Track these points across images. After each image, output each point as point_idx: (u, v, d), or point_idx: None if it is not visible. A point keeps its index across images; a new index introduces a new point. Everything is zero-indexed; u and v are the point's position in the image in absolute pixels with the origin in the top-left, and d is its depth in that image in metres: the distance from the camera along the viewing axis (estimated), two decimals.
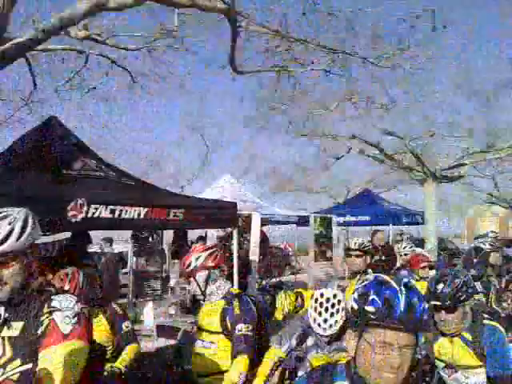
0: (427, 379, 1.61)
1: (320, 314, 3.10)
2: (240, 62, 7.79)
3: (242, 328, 3.24)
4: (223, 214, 6.06)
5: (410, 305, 1.45)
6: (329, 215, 13.63)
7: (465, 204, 28.70)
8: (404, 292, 1.46)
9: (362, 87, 9.48)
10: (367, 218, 14.20)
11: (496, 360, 2.81)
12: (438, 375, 3.12)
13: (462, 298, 2.83)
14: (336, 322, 3.07)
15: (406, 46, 7.99)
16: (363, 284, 1.57)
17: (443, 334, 2.94)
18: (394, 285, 1.49)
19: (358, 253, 4.76)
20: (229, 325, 3.28)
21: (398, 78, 9.25)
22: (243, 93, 14.39)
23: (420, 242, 11.43)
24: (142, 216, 4.86)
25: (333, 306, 3.10)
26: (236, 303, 3.33)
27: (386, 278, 1.54)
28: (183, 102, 62.89)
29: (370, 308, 1.46)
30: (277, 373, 3.78)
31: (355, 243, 4.93)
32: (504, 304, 5.78)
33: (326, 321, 3.08)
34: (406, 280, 1.54)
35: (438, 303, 2.80)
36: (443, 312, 2.81)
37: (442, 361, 2.99)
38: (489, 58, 26.35)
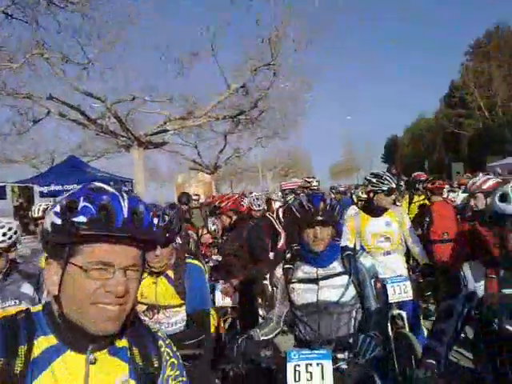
0: (135, 325, 1.27)
1: None
2: None
3: None
4: None
5: (136, 212, 1.12)
6: (30, 185, 12.54)
7: (174, 171, 30.67)
8: (126, 197, 1.13)
9: (56, 41, 8.63)
10: (74, 186, 13.69)
11: (195, 297, 2.94)
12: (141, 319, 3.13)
13: (176, 232, 2.90)
14: (4, 234, 3.07)
15: None
16: (68, 193, 1.15)
17: (151, 273, 2.91)
18: (112, 190, 1.14)
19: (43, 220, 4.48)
20: None
21: (94, 34, 8.77)
22: None
23: None
24: None
25: (9, 229, 3.12)
26: None
27: (100, 184, 1.17)
28: None
29: (80, 218, 1.07)
30: None
31: (38, 210, 4.62)
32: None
33: None
34: None
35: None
36: (158, 248, 2.75)
37: (144, 303, 2.96)
38: (187, 26, 27.86)
